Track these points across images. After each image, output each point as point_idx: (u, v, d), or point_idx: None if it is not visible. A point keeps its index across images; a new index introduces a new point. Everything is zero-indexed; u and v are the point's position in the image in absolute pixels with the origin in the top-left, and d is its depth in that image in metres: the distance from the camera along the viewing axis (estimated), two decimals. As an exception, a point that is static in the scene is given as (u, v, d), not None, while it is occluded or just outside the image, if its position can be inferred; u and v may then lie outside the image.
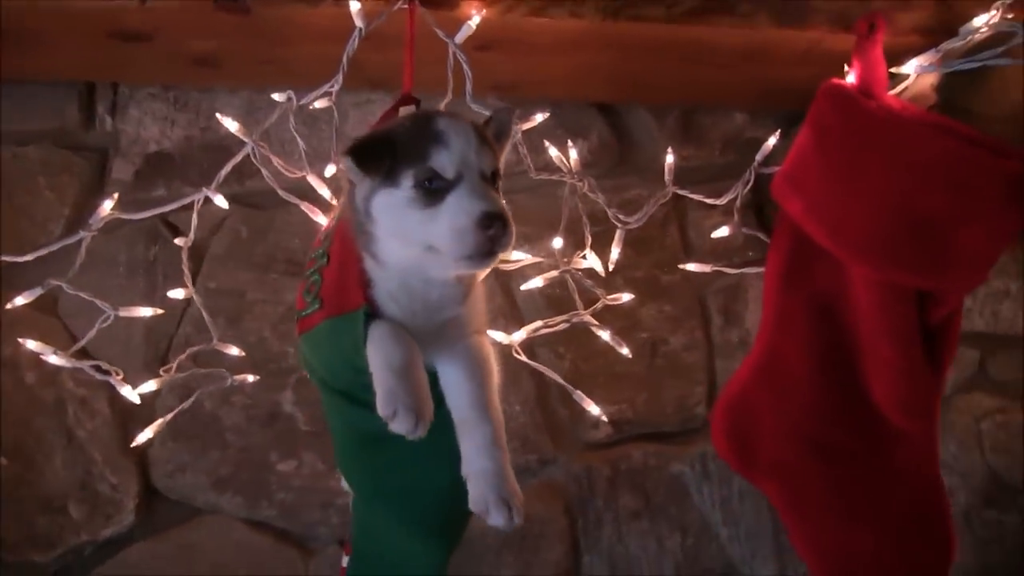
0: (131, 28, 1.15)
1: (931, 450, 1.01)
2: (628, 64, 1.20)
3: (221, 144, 1.40)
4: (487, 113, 1.00)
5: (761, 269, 1.22)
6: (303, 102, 1.05)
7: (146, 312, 1.11)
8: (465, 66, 1.02)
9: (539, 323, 1.11)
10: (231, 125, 1.07)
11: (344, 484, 1.03)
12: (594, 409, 1.12)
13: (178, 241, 1.13)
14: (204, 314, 1.13)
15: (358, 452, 0.98)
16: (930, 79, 1.06)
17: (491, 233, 0.78)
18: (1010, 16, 1.02)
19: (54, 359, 1.04)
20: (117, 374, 1.08)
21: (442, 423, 0.93)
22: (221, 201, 1.10)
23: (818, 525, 1.03)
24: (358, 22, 1.00)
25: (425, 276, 0.86)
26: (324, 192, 1.07)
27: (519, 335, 1.09)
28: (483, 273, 0.90)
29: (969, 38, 1.03)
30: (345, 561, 1.03)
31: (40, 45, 1.20)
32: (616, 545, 1.40)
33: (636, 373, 1.36)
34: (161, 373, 1.13)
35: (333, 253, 0.90)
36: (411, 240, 0.82)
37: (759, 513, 1.41)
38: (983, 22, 1.02)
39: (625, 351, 1.11)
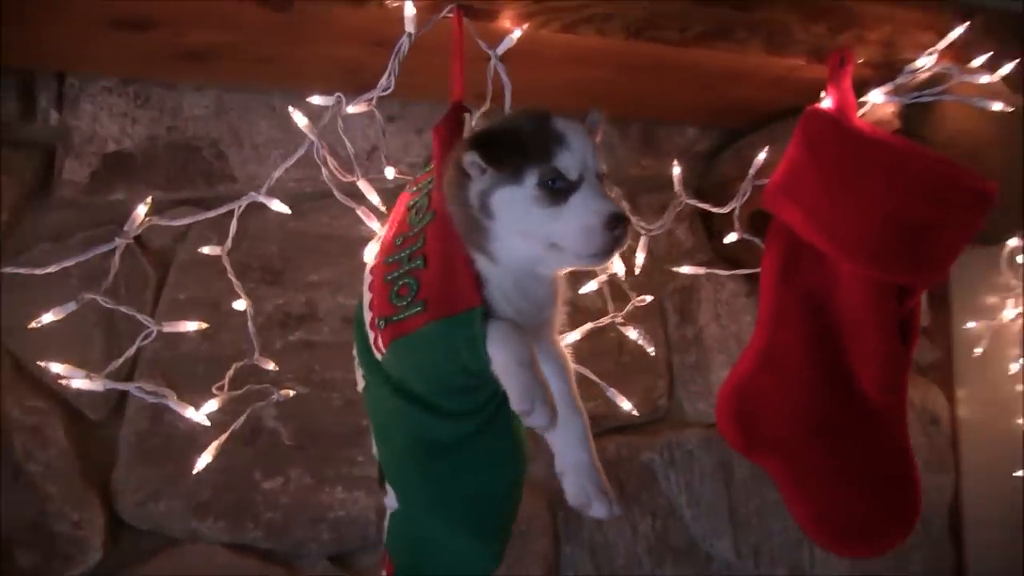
0: (131, 14, 1.06)
1: (903, 421, 1.18)
2: (622, 81, 1.28)
3: (189, 145, 1.32)
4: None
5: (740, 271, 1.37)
6: (351, 105, 1.02)
7: (191, 327, 1.03)
8: (504, 77, 1.05)
9: (589, 325, 1.16)
10: (300, 120, 1.03)
11: (389, 499, 1.01)
12: (625, 405, 1.19)
13: (206, 249, 1.05)
14: (250, 326, 1.06)
15: (423, 461, 0.96)
16: (891, 108, 1.24)
17: (616, 233, 0.83)
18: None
19: (83, 383, 0.93)
20: (169, 396, 0.99)
21: (505, 424, 0.96)
22: (279, 206, 1.04)
23: (814, 492, 1.16)
24: (409, 27, 1.00)
25: (536, 274, 0.89)
26: (374, 197, 1.05)
27: (574, 336, 1.13)
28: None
29: (911, 76, 1.23)
30: (385, 580, 1.02)
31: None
32: (595, 534, 1.47)
33: (607, 370, 1.44)
34: (215, 391, 1.05)
35: (431, 254, 0.89)
36: (534, 236, 0.85)
37: (718, 494, 1.54)
38: (923, 64, 1.23)
39: (651, 351, 1.20)
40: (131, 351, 1.01)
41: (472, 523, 0.98)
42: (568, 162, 0.85)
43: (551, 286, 0.92)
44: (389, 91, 1.00)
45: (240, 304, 1.07)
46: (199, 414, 1.03)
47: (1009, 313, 1.60)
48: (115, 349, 1.23)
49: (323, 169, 1.03)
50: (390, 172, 1.06)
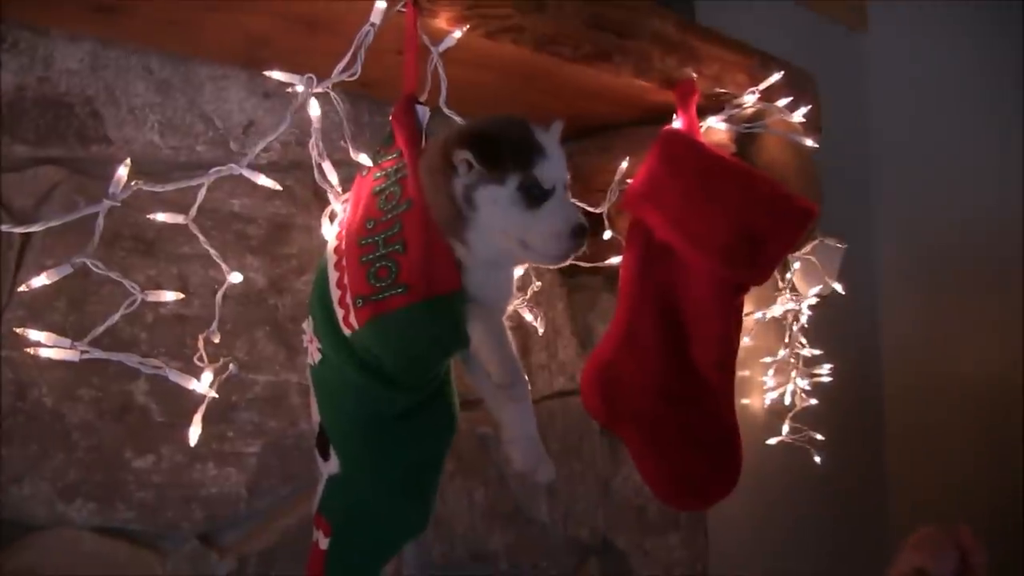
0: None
1: (731, 395, 1.43)
2: (508, 87, 1.39)
3: (62, 100, 1.20)
4: (458, 119, 1.15)
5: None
6: (318, 87, 1.03)
7: (170, 296, 0.97)
8: (442, 73, 1.13)
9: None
10: (279, 76, 1.01)
11: (327, 466, 1.06)
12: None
13: (164, 217, 1.00)
14: (218, 298, 1.02)
15: (372, 429, 1.04)
16: (724, 134, 1.50)
17: (578, 241, 0.97)
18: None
19: (61, 354, 0.85)
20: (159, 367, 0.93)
21: (445, 397, 1.06)
22: (265, 181, 1.01)
23: (663, 456, 1.38)
24: (376, 19, 1.05)
25: (503, 266, 1.00)
26: (334, 177, 1.07)
27: None
28: None
29: (739, 109, 1.50)
30: (322, 540, 1.06)
31: None
32: (441, 507, 1.57)
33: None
34: (197, 363, 0.99)
35: (411, 240, 0.96)
36: (509, 233, 0.96)
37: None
38: (747, 101, 1.50)
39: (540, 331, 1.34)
40: (114, 318, 0.94)
41: (411, 488, 1.06)
42: (545, 172, 0.97)
43: (511, 276, 1.03)
44: (355, 77, 1.03)
45: (236, 276, 1.03)
46: (202, 385, 0.98)
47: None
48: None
49: (313, 150, 1.02)
50: (364, 159, 1.07)
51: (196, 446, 1.27)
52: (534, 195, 0.96)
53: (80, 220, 0.96)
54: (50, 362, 1.15)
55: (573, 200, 1.41)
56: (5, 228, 0.89)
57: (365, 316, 0.95)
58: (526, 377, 0.98)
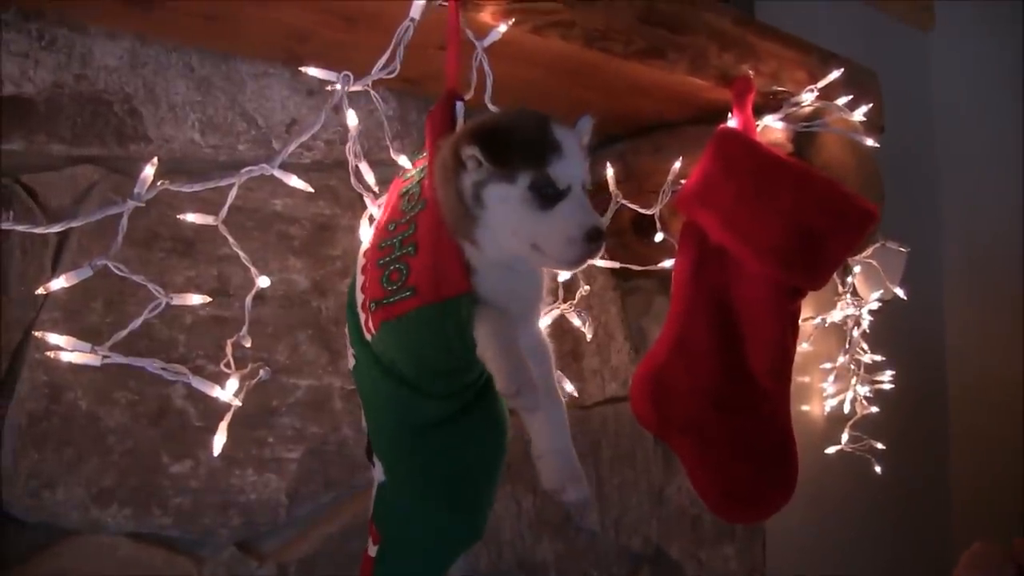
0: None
1: (787, 403, 1.36)
2: (556, 84, 1.35)
3: (100, 98, 1.19)
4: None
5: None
6: (355, 85, 0.99)
7: (197, 300, 0.94)
8: (487, 69, 1.08)
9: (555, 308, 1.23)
10: (315, 73, 0.97)
11: (376, 472, 1.02)
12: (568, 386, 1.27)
13: (194, 218, 0.97)
14: (248, 301, 0.99)
15: (408, 438, 1.00)
16: (781, 133, 1.43)
17: (593, 245, 0.90)
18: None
19: (81, 358, 0.83)
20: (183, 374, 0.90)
21: (488, 404, 1.01)
22: (297, 182, 0.98)
23: (716, 465, 1.32)
24: (415, 14, 1.00)
25: (517, 268, 0.94)
26: (371, 178, 1.03)
27: (545, 321, 1.18)
28: None
29: (796, 107, 1.43)
30: (371, 548, 1.03)
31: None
32: (486, 512, 1.53)
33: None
34: (223, 369, 0.97)
35: (422, 241, 0.91)
36: (519, 235, 0.90)
37: (588, 472, 1.66)
38: (805, 99, 1.43)
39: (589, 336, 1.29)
40: (137, 323, 0.92)
41: (453, 498, 1.02)
42: (560, 171, 0.90)
43: (535, 279, 0.97)
44: (394, 74, 0.99)
45: (264, 281, 1.01)
46: (226, 393, 0.95)
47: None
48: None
49: (350, 153, 0.99)
50: (404, 160, 1.03)
51: (235, 451, 1.26)
52: (547, 195, 0.89)
53: (112, 221, 0.94)
54: (83, 365, 1.14)
55: (624, 201, 1.38)
56: (23, 228, 0.86)
57: (378, 320, 0.91)
58: (537, 385, 0.90)
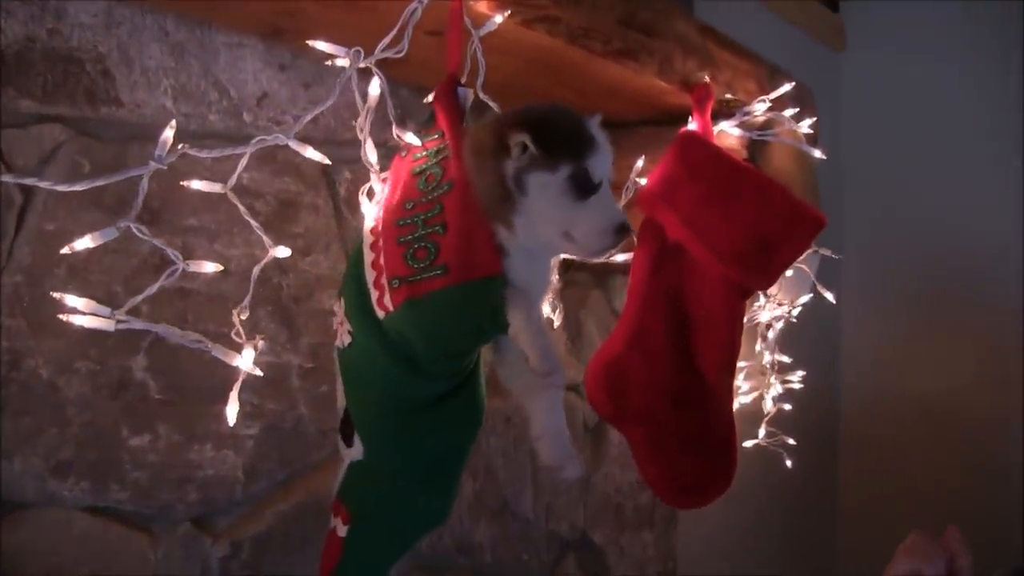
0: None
1: (730, 397, 1.44)
2: (535, 78, 1.38)
3: (73, 56, 1.14)
4: (494, 106, 1.12)
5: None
6: (365, 60, 0.99)
7: (211, 268, 0.92)
8: (481, 58, 1.11)
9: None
10: (324, 47, 0.96)
11: (353, 451, 1.03)
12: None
13: (200, 185, 0.94)
14: (255, 272, 0.99)
15: (397, 417, 1.02)
16: (738, 140, 1.50)
17: (620, 238, 0.96)
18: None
19: (98, 322, 0.80)
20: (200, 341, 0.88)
21: (472, 388, 1.05)
22: (313, 154, 0.97)
23: (666, 454, 1.38)
24: (425, -6, 1.01)
25: (543, 255, 0.98)
26: (372, 156, 1.03)
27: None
28: None
29: (750, 116, 1.51)
30: (340, 527, 1.04)
31: None
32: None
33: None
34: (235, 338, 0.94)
35: (452, 222, 0.93)
36: (554, 222, 0.94)
37: (524, 459, 1.70)
38: (757, 109, 1.51)
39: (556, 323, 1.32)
40: (153, 288, 0.89)
41: (433, 478, 1.04)
42: (595, 165, 0.96)
43: (549, 267, 1.02)
44: (402, 54, 1.00)
45: (282, 251, 1.00)
46: (246, 361, 0.93)
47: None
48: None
49: (359, 122, 0.98)
50: (412, 138, 1.03)
51: (195, 426, 1.24)
52: (583, 187, 0.95)
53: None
54: (48, 331, 1.10)
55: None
56: (45, 184, 0.83)
57: (401, 297, 0.92)
58: (563, 366, 0.96)
